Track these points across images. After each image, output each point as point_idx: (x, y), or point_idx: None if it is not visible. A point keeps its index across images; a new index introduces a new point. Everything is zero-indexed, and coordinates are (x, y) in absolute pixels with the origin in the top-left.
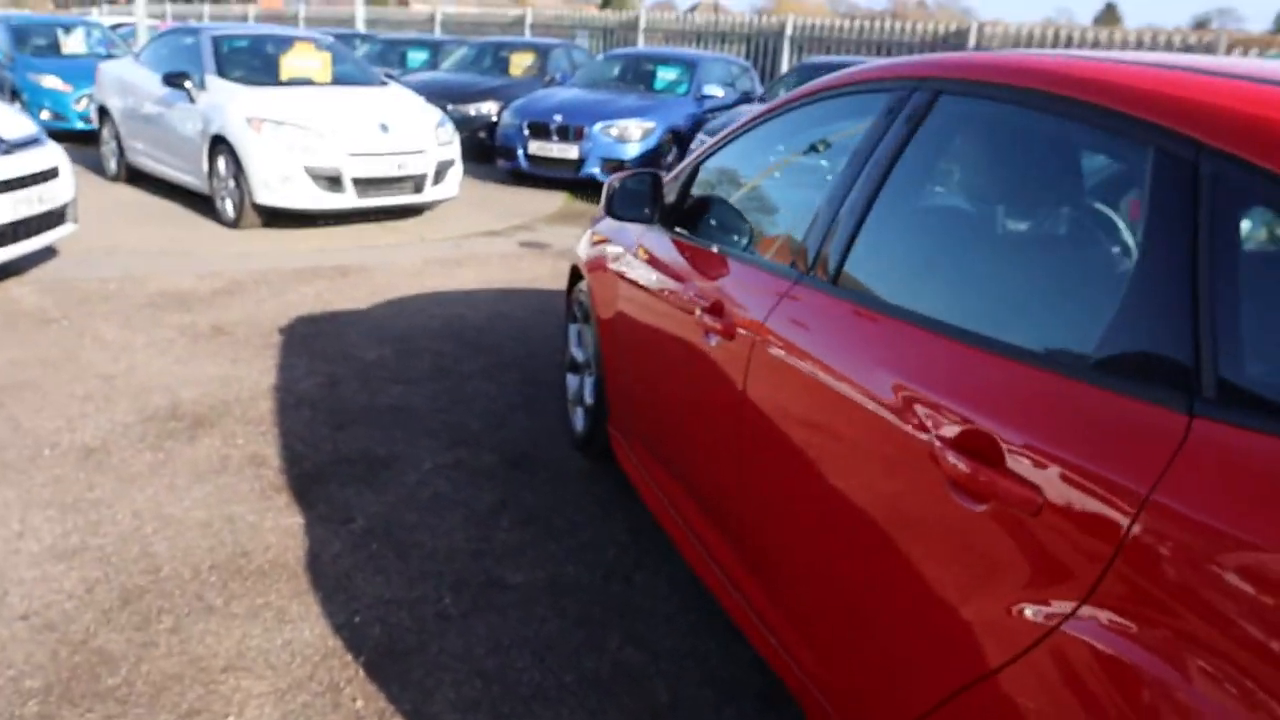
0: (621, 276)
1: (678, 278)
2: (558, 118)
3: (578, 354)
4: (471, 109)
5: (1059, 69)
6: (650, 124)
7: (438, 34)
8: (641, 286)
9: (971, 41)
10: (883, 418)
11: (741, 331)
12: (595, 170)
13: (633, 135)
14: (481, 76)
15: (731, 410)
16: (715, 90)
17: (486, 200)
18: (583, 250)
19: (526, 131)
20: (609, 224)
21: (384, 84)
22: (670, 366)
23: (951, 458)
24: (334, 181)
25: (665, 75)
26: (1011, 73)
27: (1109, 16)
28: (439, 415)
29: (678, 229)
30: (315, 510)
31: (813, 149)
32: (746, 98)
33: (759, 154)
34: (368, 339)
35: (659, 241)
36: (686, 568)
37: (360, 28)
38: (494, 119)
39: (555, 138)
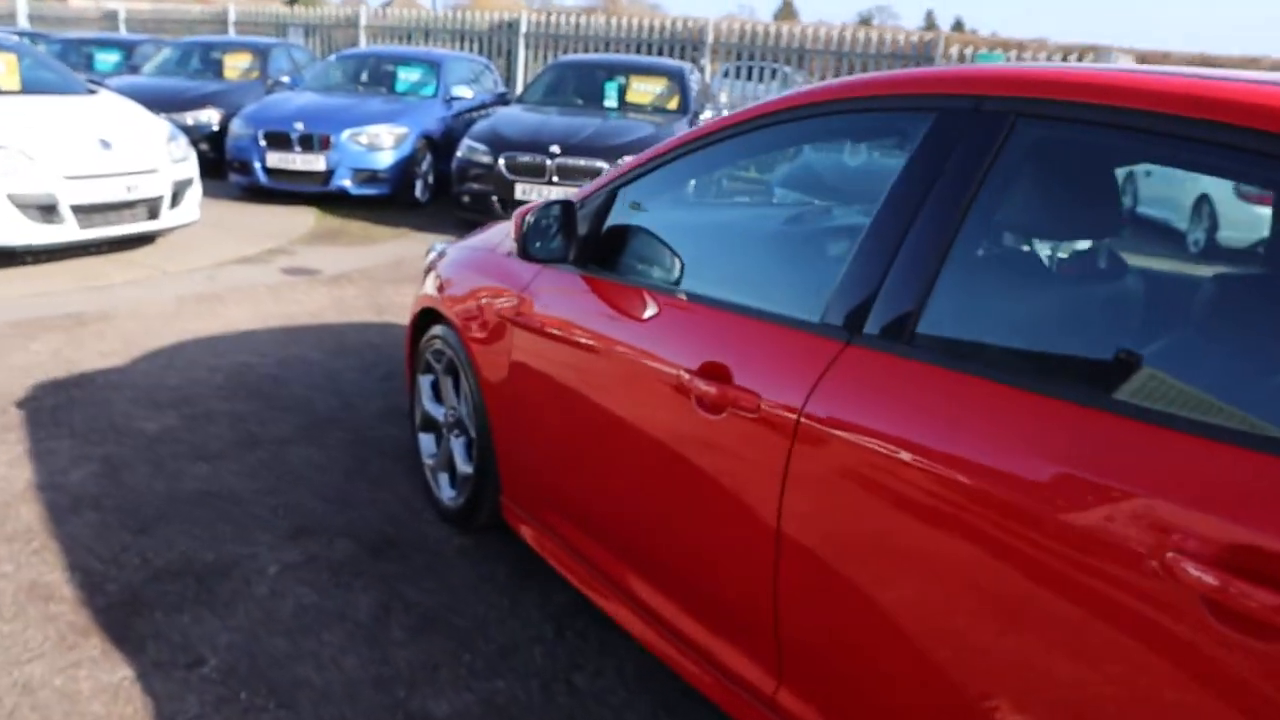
0: (524, 326)
1: (634, 331)
2: (299, 126)
3: (435, 411)
4: (189, 118)
5: (1221, 94)
6: (403, 129)
7: (123, 32)
8: (563, 339)
9: (710, 37)
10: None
11: (772, 408)
12: (346, 182)
13: (385, 143)
14: (193, 81)
15: (754, 510)
16: (464, 91)
17: (225, 221)
18: (436, 288)
19: (263, 142)
20: (467, 256)
21: (92, 92)
22: (624, 438)
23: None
24: (48, 211)
25: (408, 76)
26: (1138, 95)
27: (786, 12)
28: (265, 498)
29: (601, 269)
30: (146, 654)
31: (810, 177)
32: (503, 99)
33: (722, 179)
34: (141, 405)
35: (573, 283)
36: (631, 658)
37: (23, 24)
38: (215, 128)
39: (298, 148)
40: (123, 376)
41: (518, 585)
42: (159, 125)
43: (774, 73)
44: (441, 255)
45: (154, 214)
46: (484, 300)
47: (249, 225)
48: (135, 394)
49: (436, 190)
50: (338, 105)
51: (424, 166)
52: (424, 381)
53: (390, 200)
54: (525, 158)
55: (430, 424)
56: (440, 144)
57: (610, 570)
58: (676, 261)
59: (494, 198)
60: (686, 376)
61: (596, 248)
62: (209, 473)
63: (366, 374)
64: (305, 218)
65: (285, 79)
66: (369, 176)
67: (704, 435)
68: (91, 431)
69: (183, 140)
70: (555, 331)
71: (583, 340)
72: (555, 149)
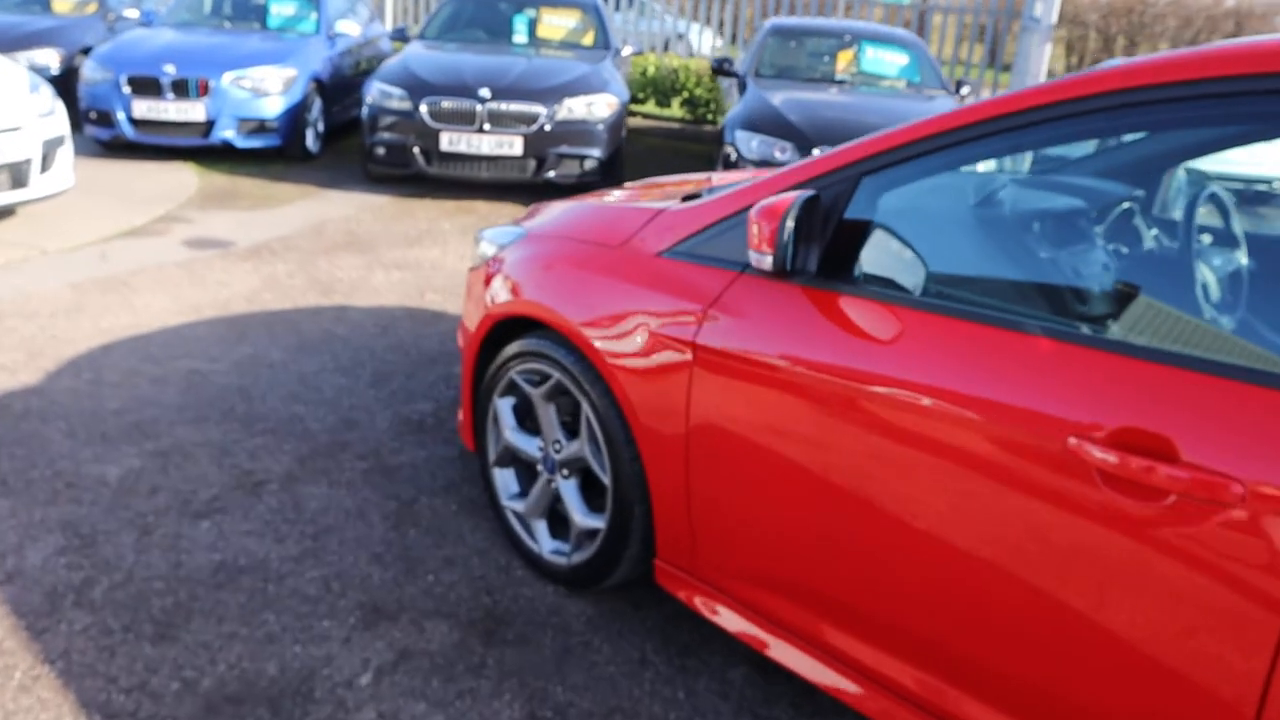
0: (719, 355)
1: (950, 374)
2: (170, 69)
3: (524, 444)
4: (21, 60)
5: None
6: (291, 71)
7: None
8: (802, 377)
9: None
10: None
11: (1259, 499)
12: (230, 133)
13: (272, 87)
14: (16, 16)
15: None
16: (349, 26)
17: (94, 183)
18: (528, 293)
19: (128, 89)
20: (578, 253)
21: None
22: (934, 512)
23: None
24: None
25: (282, 10)
26: None
27: None
28: (305, 568)
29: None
30: None
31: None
32: (401, 34)
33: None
34: (85, 441)
35: (803, 303)
36: None
37: None
38: (56, 72)
39: (170, 95)
40: (44, 401)
41: (679, 666)
42: (17, 72)
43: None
44: (506, 248)
45: (20, 181)
46: (637, 316)
47: (123, 187)
48: (71, 425)
49: (327, 139)
50: (211, 44)
51: (314, 113)
52: (504, 406)
53: (279, 153)
54: (450, 103)
55: (512, 459)
56: (329, 87)
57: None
58: (1017, 283)
59: (415, 149)
60: (1076, 443)
61: (836, 256)
62: (214, 535)
63: (349, 376)
64: (185, 176)
65: (131, 13)
66: (257, 126)
67: (1109, 524)
68: (32, 486)
69: (47, 90)
70: (785, 366)
71: (844, 381)
72: (485, 92)
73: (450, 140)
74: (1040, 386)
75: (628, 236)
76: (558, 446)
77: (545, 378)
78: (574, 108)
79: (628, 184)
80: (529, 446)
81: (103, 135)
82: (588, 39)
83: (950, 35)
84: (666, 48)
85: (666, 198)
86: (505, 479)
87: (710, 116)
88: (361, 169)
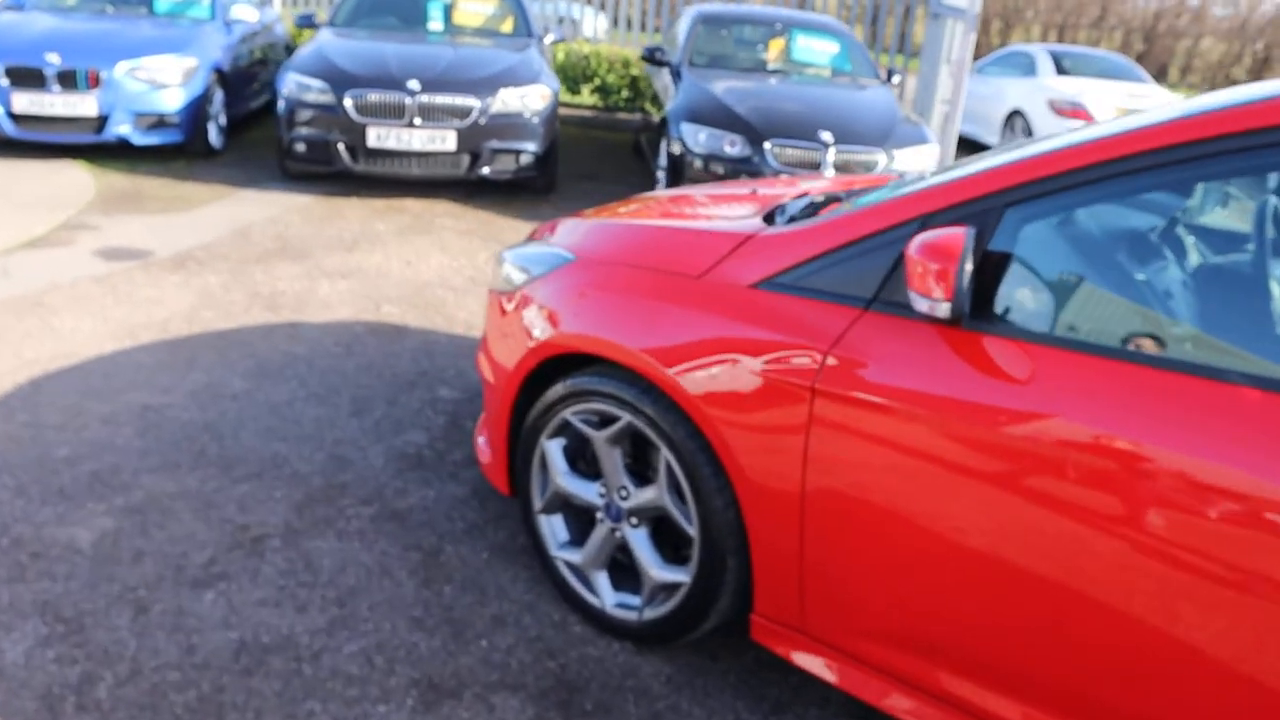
0: (846, 401)
1: (1162, 431)
2: (54, 59)
3: (580, 490)
4: None
5: None
6: (191, 61)
7: None
8: (951, 428)
9: None
10: None
11: None
12: (125, 129)
13: (171, 78)
14: None
15: None
16: (246, 12)
17: None
18: (579, 323)
19: (5, 81)
20: (648, 282)
21: None
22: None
23: None
24: None
25: None
26: None
27: None
28: (339, 641)
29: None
30: None
31: None
32: (309, 21)
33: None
34: (40, 497)
35: (942, 345)
36: None
37: None
38: None
39: (56, 87)
40: None
41: None
42: None
43: None
44: (546, 275)
45: None
46: (737, 356)
47: (9, 190)
48: (19, 479)
49: (230, 134)
50: (99, 31)
51: (216, 106)
52: (554, 449)
53: (179, 149)
54: (378, 96)
55: (562, 504)
56: (230, 78)
57: None
58: (1207, 324)
59: (340, 145)
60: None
61: (980, 295)
62: (223, 608)
63: (326, 406)
64: (78, 176)
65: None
66: (156, 121)
67: None
68: None
69: None
70: (927, 413)
71: (996, 431)
72: (414, 84)
73: (378, 135)
74: (1248, 448)
75: (710, 264)
76: (624, 493)
77: (610, 420)
78: (508, 100)
79: (657, 194)
80: (586, 493)
81: None
82: (507, 25)
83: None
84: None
85: (729, 216)
86: (554, 526)
87: (621, 104)
88: (276, 166)
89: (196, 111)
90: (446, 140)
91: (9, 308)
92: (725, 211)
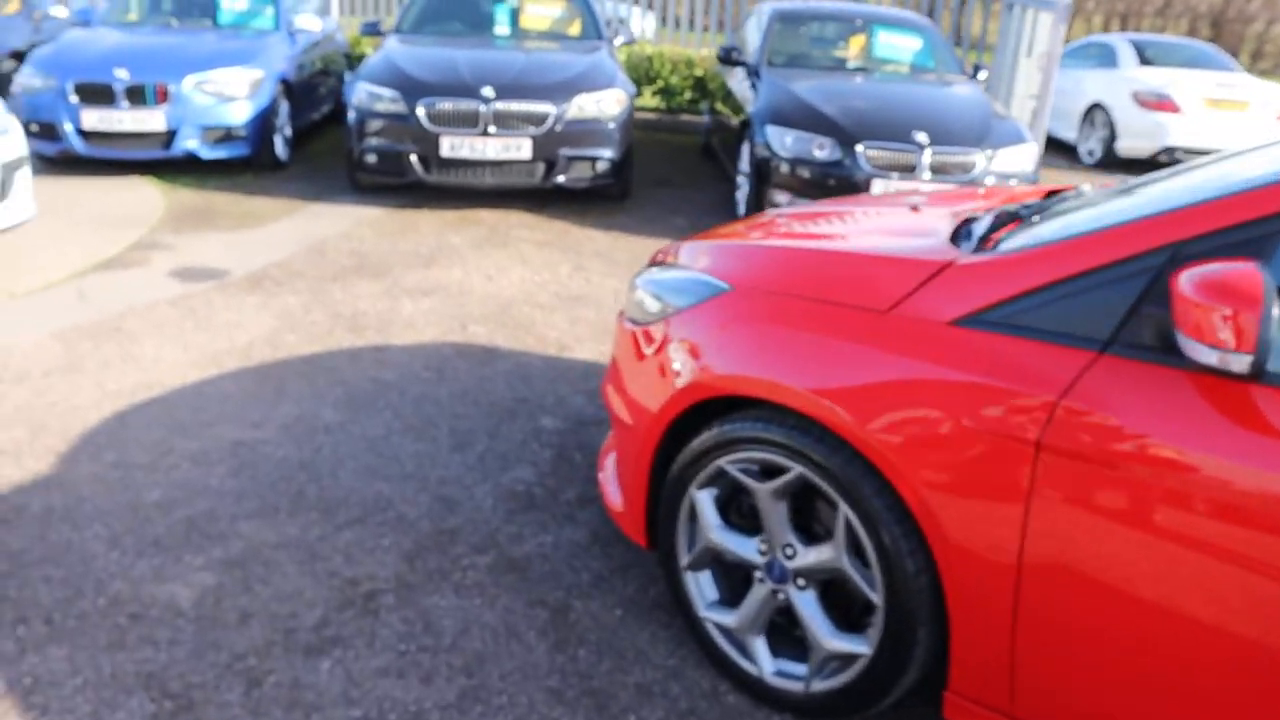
0: (1086, 459)
1: None
2: (122, 74)
3: (737, 546)
4: None
5: None
6: (257, 73)
7: None
8: (1241, 498)
9: None
10: None
11: None
12: (193, 143)
13: (239, 91)
14: None
15: None
16: (309, 22)
17: (48, 207)
18: (778, 370)
19: (75, 98)
20: (820, 315)
21: None
22: None
23: None
24: None
25: (233, 4)
26: None
27: None
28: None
29: None
30: None
31: None
32: (374, 29)
33: None
34: (136, 550)
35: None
36: None
37: None
38: None
39: (125, 103)
40: (67, 496)
41: None
42: None
43: None
44: (693, 306)
45: None
46: (939, 404)
47: (81, 210)
48: (111, 528)
49: (295, 145)
50: (165, 45)
51: (282, 118)
52: (706, 500)
53: (246, 163)
54: (450, 104)
55: (711, 560)
56: (296, 89)
57: None
58: None
59: (413, 156)
60: None
61: None
62: (342, 679)
63: (424, 440)
64: (147, 193)
65: (59, 11)
66: (224, 135)
67: None
68: (88, 623)
69: None
70: (1187, 476)
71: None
72: (488, 91)
73: (452, 145)
74: None
75: (899, 296)
76: (790, 551)
77: (777, 470)
78: (584, 105)
79: (790, 210)
80: (744, 549)
81: (48, 149)
82: (574, 29)
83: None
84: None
85: (905, 239)
86: (701, 584)
87: (684, 106)
88: (343, 178)
89: (263, 124)
90: (521, 148)
91: (87, 334)
92: (894, 232)
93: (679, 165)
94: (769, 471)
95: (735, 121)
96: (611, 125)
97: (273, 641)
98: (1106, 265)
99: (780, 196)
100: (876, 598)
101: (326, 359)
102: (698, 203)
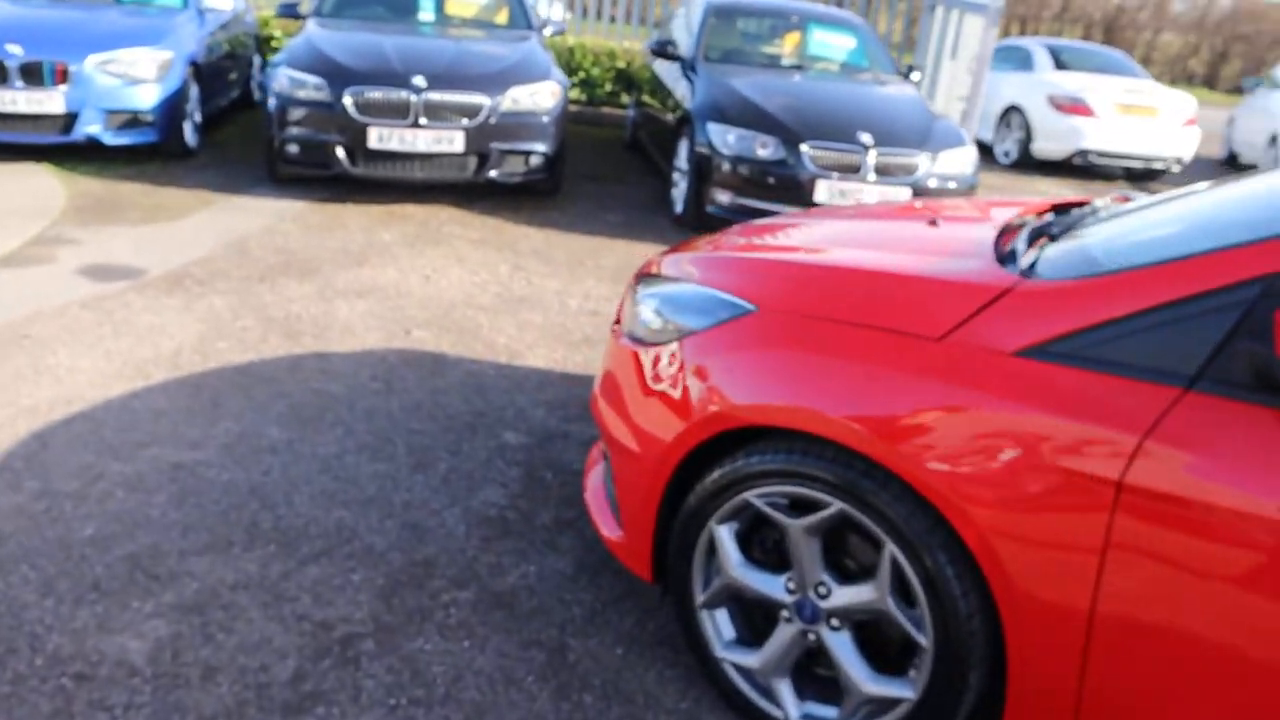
0: (1165, 501)
1: None
2: (15, 50)
3: (762, 584)
4: None
5: None
6: (166, 53)
7: None
8: None
9: None
10: None
11: None
12: (96, 128)
13: (146, 72)
14: None
15: None
16: (220, 1)
17: None
18: (818, 399)
19: None
20: (863, 341)
21: None
22: None
23: None
24: None
25: None
26: None
27: None
28: None
29: None
30: None
31: None
32: (291, 10)
33: None
34: (74, 597)
35: None
36: None
37: None
38: None
39: (19, 83)
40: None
41: None
42: None
43: None
44: (713, 327)
45: None
46: (1004, 439)
47: None
48: (43, 572)
49: (204, 132)
50: (64, 21)
51: (192, 103)
52: (727, 535)
53: (153, 150)
54: (380, 93)
55: (729, 597)
56: (205, 72)
57: None
58: None
59: (338, 147)
60: None
61: None
62: None
63: (382, 459)
64: (45, 182)
65: None
66: (129, 120)
67: None
68: (24, 687)
69: None
70: None
71: None
72: (419, 81)
73: (380, 136)
74: None
75: (953, 323)
76: (823, 590)
77: (810, 505)
78: (519, 98)
79: (795, 219)
80: (770, 588)
81: None
82: (501, 17)
83: None
84: None
85: (938, 251)
86: (718, 623)
87: (606, 98)
88: (260, 168)
89: (172, 109)
90: (454, 141)
91: None
92: (927, 250)
93: (606, 159)
94: (799, 506)
95: (671, 117)
96: (546, 119)
97: (244, 701)
98: (1195, 296)
99: (722, 195)
100: (924, 640)
101: (263, 368)
102: (630, 199)
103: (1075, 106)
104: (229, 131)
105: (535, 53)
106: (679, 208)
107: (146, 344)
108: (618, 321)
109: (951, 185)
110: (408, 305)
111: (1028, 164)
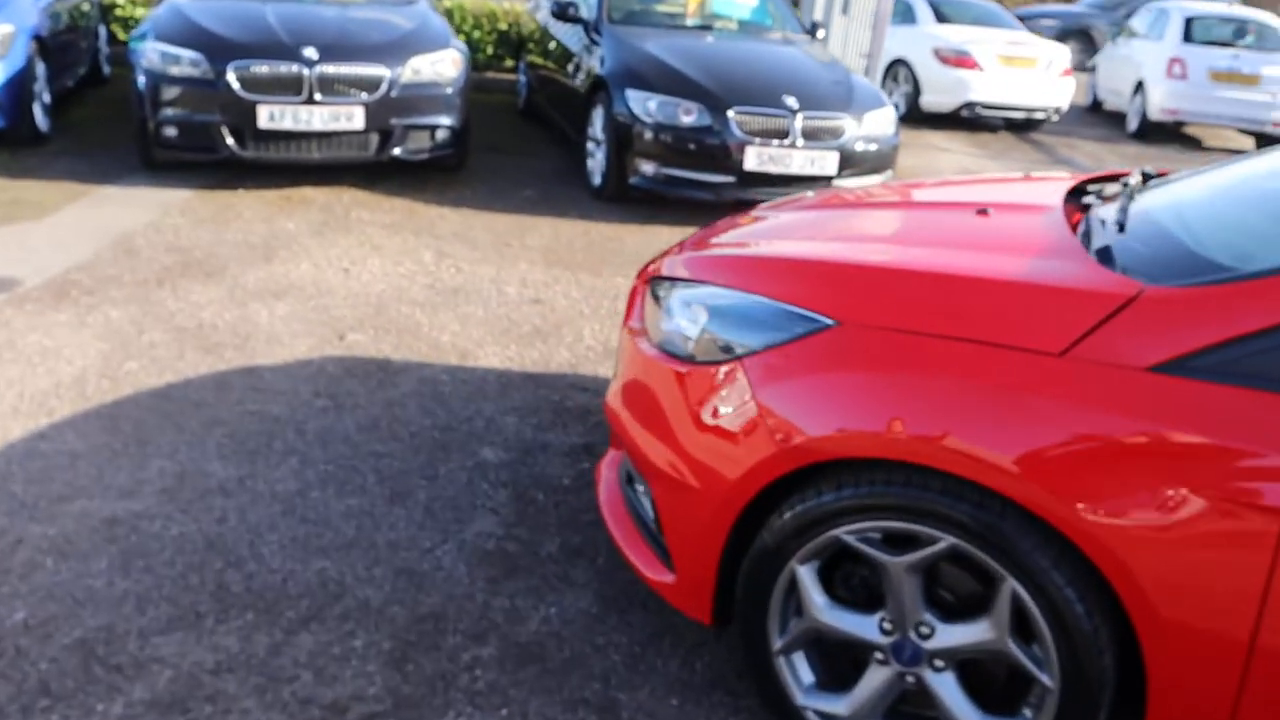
0: None
1: None
2: None
3: (845, 624)
4: None
5: None
6: (6, 27)
7: None
8: None
9: None
10: None
11: None
12: None
13: None
14: None
15: None
16: None
17: None
18: (927, 424)
19: None
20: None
21: None
22: None
23: None
24: None
25: None
26: None
27: None
28: None
29: None
30: None
31: None
32: None
33: None
34: (20, 703)
35: None
36: None
37: None
38: None
39: None
40: None
41: None
42: None
43: None
44: (754, 342)
45: None
46: (1147, 465)
47: None
48: None
49: (54, 114)
50: None
51: (40, 82)
52: (810, 575)
53: (1, 136)
54: (267, 67)
55: (810, 640)
56: (52, 48)
57: None
58: None
59: (224, 128)
60: None
61: None
62: None
63: (353, 493)
64: None
65: None
66: None
67: None
68: None
69: None
70: None
71: None
72: (311, 52)
73: (272, 115)
74: None
75: (1074, 335)
76: (925, 630)
77: (913, 541)
78: (420, 68)
79: (830, 198)
80: (862, 629)
81: None
82: None
83: None
84: None
85: (1021, 250)
86: (797, 668)
87: (488, 62)
88: (130, 153)
89: (19, 89)
90: (353, 118)
91: None
92: (1004, 247)
93: (501, 129)
94: (893, 540)
95: (579, 83)
96: (450, 90)
97: None
98: None
99: (646, 165)
100: (1049, 680)
101: (186, 391)
102: (541, 172)
103: (961, 59)
104: (81, 113)
105: (431, 19)
106: (597, 180)
107: (41, 371)
108: (628, 319)
109: (875, 148)
110: (333, 304)
111: (916, 117)
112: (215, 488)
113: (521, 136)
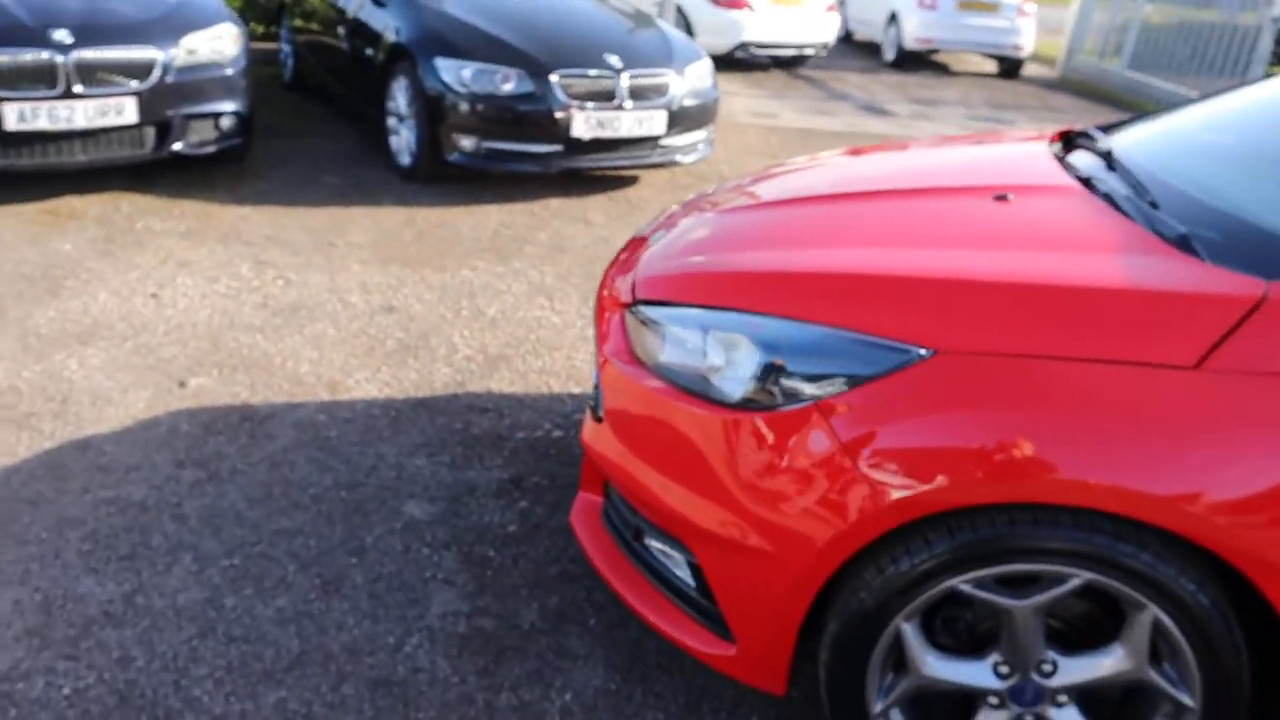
0: None
1: None
2: None
3: (955, 674)
4: None
5: None
6: None
7: None
8: None
9: None
10: None
11: None
12: None
13: None
14: None
15: None
16: None
17: None
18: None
19: None
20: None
21: None
22: None
23: None
24: None
25: None
26: None
27: None
28: None
29: None
30: None
31: None
32: None
33: None
34: None
35: None
36: None
37: None
38: None
39: None
40: None
41: None
42: None
43: None
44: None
45: None
46: None
47: None
48: None
49: None
50: None
51: None
52: (912, 632)
53: None
54: (8, 56)
55: (912, 697)
56: None
57: None
58: None
59: None
60: None
61: None
62: None
63: (275, 590)
64: None
65: None
66: None
67: None
68: None
69: None
70: None
71: None
72: (62, 35)
73: (22, 114)
74: None
75: (1205, 346)
76: (1048, 668)
77: (1046, 580)
78: (196, 47)
79: (828, 171)
80: (977, 677)
81: None
82: None
83: None
84: None
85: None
86: None
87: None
88: None
89: None
90: (123, 111)
91: None
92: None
93: (273, 107)
94: (1009, 581)
95: (370, 52)
96: (231, 71)
97: None
98: None
99: (464, 140)
100: (1191, 701)
101: (13, 486)
102: (336, 155)
103: (732, 1)
104: None
105: None
106: (406, 159)
107: None
108: (603, 343)
109: (699, 102)
110: (155, 343)
111: None
112: (98, 616)
113: (299, 114)
